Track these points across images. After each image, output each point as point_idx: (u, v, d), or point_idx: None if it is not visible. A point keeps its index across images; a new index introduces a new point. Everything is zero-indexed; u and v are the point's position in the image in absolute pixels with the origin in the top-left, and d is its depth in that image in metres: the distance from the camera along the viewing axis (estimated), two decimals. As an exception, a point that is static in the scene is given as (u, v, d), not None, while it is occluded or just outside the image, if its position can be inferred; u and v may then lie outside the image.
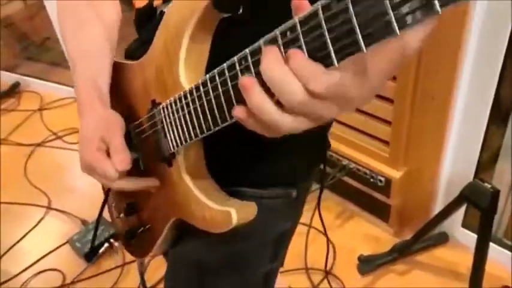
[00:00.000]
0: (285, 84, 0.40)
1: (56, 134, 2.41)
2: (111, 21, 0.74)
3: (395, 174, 1.52)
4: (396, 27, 0.34)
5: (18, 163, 2.25)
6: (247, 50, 0.45)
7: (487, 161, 1.46)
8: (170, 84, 0.60)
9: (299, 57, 0.40)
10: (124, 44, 0.79)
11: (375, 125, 1.50)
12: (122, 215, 0.80)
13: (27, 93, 2.81)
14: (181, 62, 0.57)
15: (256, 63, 0.43)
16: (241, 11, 0.51)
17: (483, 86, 1.29)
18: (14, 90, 2.82)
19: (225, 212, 0.59)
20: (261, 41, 0.43)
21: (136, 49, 0.71)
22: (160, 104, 0.63)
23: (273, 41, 0.42)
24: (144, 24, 0.70)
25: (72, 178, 2.13)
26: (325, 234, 1.04)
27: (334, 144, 1.60)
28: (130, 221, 0.79)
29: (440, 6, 0.31)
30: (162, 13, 0.64)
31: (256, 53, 0.44)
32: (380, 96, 1.42)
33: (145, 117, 0.66)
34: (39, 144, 2.37)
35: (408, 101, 1.39)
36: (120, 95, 0.72)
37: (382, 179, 1.55)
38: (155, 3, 0.64)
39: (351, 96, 0.42)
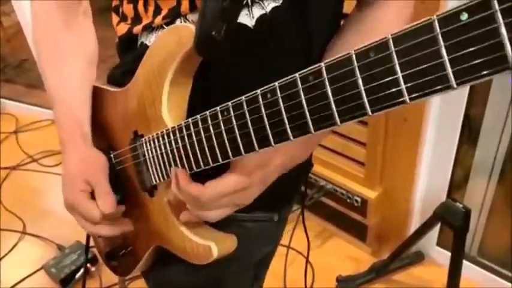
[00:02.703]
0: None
1: (31, 157, 2.37)
2: (92, 53, 0.74)
3: (371, 194, 1.55)
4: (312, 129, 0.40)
5: (-8, 187, 2.21)
6: (229, 103, 0.47)
7: (459, 180, 1.50)
8: (153, 119, 0.61)
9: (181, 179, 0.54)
10: (103, 66, 0.79)
11: (350, 146, 1.53)
12: None
13: (3, 115, 2.77)
14: (164, 101, 0.59)
15: (239, 117, 0.46)
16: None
17: (453, 106, 1.33)
18: (-11, 112, 2.78)
19: (206, 246, 0.59)
20: (243, 97, 0.46)
21: (119, 76, 0.71)
22: (142, 136, 0.63)
23: (255, 100, 0.45)
24: (125, 51, 0.71)
25: (48, 202, 2.09)
26: (307, 256, 1.05)
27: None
28: (111, 241, 0.79)
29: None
30: (142, 44, 0.64)
31: (240, 107, 0.46)
32: (355, 119, 1.46)
33: (128, 148, 0.67)
34: (14, 168, 2.33)
35: (382, 123, 1.42)
36: (100, 120, 0.73)
37: (358, 199, 1.57)
38: (135, 29, 0.65)
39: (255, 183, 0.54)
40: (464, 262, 1.31)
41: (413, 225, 1.60)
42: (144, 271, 0.80)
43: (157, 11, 0.61)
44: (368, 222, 1.61)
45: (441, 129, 1.38)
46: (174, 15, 0.59)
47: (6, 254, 1.86)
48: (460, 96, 1.31)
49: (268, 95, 0.43)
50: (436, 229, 1.51)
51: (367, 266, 1.60)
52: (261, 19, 0.57)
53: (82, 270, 1.68)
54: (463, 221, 1.21)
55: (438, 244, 1.61)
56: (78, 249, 1.75)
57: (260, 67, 0.60)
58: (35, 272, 1.75)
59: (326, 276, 1.61)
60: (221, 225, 0.64)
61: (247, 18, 0.56)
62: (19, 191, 2.19)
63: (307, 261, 1.17)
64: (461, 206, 1.22)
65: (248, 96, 0.45)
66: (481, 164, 1.43)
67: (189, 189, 0.54)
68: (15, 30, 3.13)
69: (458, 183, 1.50)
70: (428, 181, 1.51)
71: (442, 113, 1.35)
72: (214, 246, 0.59)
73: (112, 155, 0.71)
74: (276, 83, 0.42)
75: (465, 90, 1.29)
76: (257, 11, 0.57)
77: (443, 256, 1.55)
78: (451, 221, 1.24)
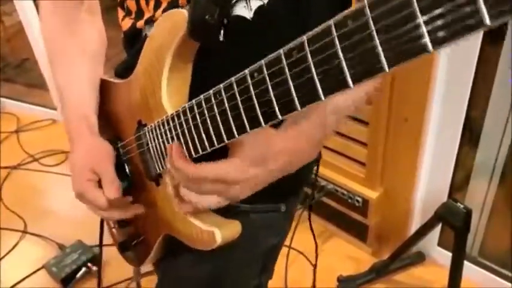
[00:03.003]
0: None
1: (32, 156, 2.37)
2: (95, 51, 0.75)
3: (372, 194, 1.55)
4: (298, 105, 0.39)
5: (-7, 186, 2.21)
6: (221, 85, 0.48)
7: (460, 181, 1.50)
8: (154, 107, 0.62)
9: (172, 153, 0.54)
10: (108, 65, 0.80)
11: (351, 146, 1.54)
12: (116, 225, 0.83)
13: (4, 115, 2.77)
14: (164, 88, 0.59)
15: (230, 98, 0.46)
16: (221, 38, 0.53)
17: (454, 108, 1.34)
18: (-10, 111, 2.78)
19: (210, 231, 0.60)
20: (233, 78, 0.46)
21: (124, 70, 0.73)
22: (146, 125, 0.65)
23: (244, 80, 0.45)
24: (131, 46, 0.72)
25: (49, 201, 2.10)
26: (315, 262, 1.06)
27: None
28: (124, 232, 0.81)
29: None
30: (146, 36, 0.66)
31: (231, 88, 0.46)
32: (356, 119, 1.46)
33: (133, 138, 0.68)
34: (15, 167, 2.33)
35: (383, 123, 1.43)
36: (107, 112, 0.74)
37: (360, 199, 1.57)
38: (138, 24, 0.66)
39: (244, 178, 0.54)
40: (465, 262, 1.31)
41: (414, 226, 1.60)
42: (156, 264, 0.81)
43: (157, 4, 0.62)
44: (369, 222, 1.62)
45: (442, 130, 1.38)
46: (173, 7, 0.59)
47: (7, 254, 1.85)
48: (461, 97, 1.31)
49: (255, 74, 0.43)
50: (437, 229, 1.51)
51: (368, 266, 1.61)
52: (259, 10, 0.57)
53: (83, 269, 1.68)
54: (464, 222, 1.22)
55: (439, 244, 1.61)
56: (79, 249, 1.75)
57: (258, 58, 0.60)
58: (35, 271, 1.75)
59: (327, 276, 1.61)
60: (227, 215, 0.64)
61: (245, 10, 0.57)
62: (20, 191, 2.19)
63: (315, 267, 1.17)
64: (462, 206, 1.22)
65: (237, 76, 0.45)
66: (482, 165, 1.43)
67: (178, 163, 0.54)
68: (16, 29, 3.13)
69: (459, 183, 1.50)
70: (429, 181, 1.51)
71: (443, 114, 1.35)
72: (218, 232, 0.59)
73: (119, 145, 0.72)
74: (263, 61, 0.42)
75: (466, 90, 1.29)
76: (255, 3, 0.57)
77: (444, 256, 1.56)
78: (452, 221, 1.24)
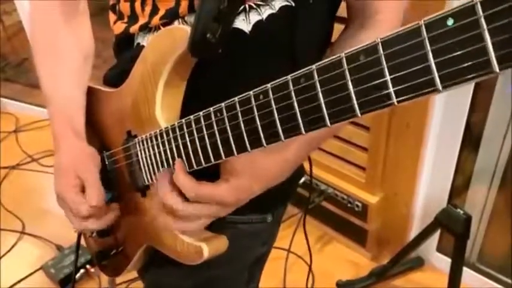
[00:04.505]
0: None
1: (31, 157, 2.37)
2: (89, 51, 0.74)
3: (371, 199, 1.55)
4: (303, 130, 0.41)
5: (-8, 186, 2.20)
6: (222, 104, 0.48)
7: (460, 186, 1.50)
8: (146, 119, 0.61)
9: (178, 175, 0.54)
10: (104, 67, 0.79)
11: (352, 151, 1.54)
12: (94, 234, 0.79)
13: (3, 115, 2.76)
14: (158, 102, 0.59)
15: (232, 118, 0.47)
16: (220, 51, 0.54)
17: (455, 113, 1.34)
18: (-11, 111, 2.77)
19: (197, 246, 0.59)
20: (236, 98, 0.46)
21: (114, 77, 0.72)
22: (136, 136, 0.64)
23: (247, 101, 0.45)
24: (121, 51, 0.71)
25: (47, 202, 2.08)
26: (309, 264, 1.06)
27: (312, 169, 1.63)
28: (103, 241, 0.79)
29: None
30: (139, 45, 0.65)
31: (233, 107, 0.47)
32: (356, 124, 1.46)
33: (121, 148, 0.67)
34: (14, 167, 2.32)
35: (384, 128, 1.43)
36: (94, 120, 0.73)
37: (359, 204, 1.57)
38: (131, 29, 0.65)
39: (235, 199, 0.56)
40: (464, 268, 1.31)
41: (414, 231, 1.61)
42: (141, 273, 0.80)
43: (154, 11, 0.61)
44: (368, 227, 1.62)
45: (443, 135, 1.39)
46: (171, 15, 0.59)
47: (5, 254, 1.85)
48: (462, 102, 1.31)
49: (261, 96, 0.44)
50: (436, 235, 1.51)
51: (367, 271, 1.60)
52: (257, 25, 0.58)
53: (82, 271, 1.68)
54: (464, 228, 1.22)
55: (438, 250, 1.61)
56: (77, 250, 1.74)
57: (252, 71, 0.60)
58: (33, 273, 1.74)
59: (326, 281, 1.61)
60: (214, 227, 0.64)
61: (244, 23, 0.57)
62: (18, 191, 2.18)
63: (310, 268, 1.17)
64: (462, 212, 1.22)
65: (241, 97, 0.46)
66: (482, 171, 1.43)
67: (178, 178, 0.54)
68: (16, 29, 3.13)
69: (459, 189, 1.50)
70: (430, 187, 1.51)
71: (444, 119, 1.36)
72: (205, 247, 0.59)
73: (105, 155, 0.71)
74: (269, 85, 0.43)
75: (467, 96, 1.29)
76: (254, 17, 0.57)
77: (443, 262, 1.56)
78: (452, 227, 1.24)
